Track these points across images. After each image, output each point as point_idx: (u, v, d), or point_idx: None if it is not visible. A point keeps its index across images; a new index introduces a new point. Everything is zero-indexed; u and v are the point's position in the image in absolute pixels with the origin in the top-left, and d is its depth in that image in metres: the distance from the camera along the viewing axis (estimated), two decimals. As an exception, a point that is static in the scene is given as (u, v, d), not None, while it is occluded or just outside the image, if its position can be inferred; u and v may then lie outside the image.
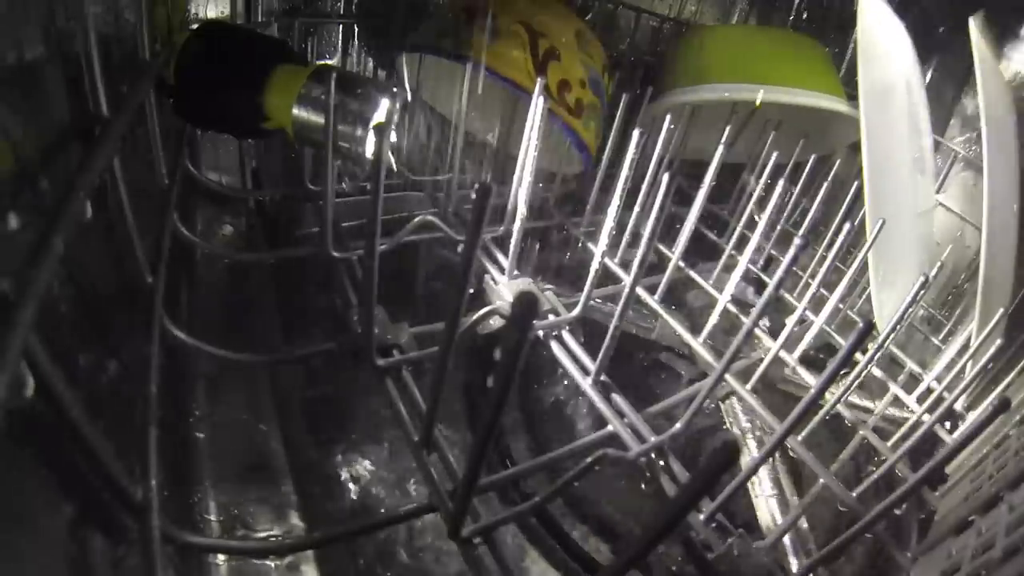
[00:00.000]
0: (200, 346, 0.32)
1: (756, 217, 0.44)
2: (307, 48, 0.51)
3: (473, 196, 0.19)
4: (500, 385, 0.17)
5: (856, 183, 0.42)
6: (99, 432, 0.20)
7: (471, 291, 0.33)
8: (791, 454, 0.37)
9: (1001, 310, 0.38)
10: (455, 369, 0.52)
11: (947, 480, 0.35)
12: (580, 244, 0.50)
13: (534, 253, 0.51)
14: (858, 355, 0.38)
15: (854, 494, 0.31)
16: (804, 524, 0.35)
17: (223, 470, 0.37)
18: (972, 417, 0.38)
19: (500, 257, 0.42)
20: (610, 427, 0.33)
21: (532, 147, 0.36)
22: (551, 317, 0.38)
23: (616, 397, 0.34)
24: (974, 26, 0.43)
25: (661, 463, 0.32)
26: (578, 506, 0.45)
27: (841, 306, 0.46)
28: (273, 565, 0.34)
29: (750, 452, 0.41)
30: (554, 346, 0.37)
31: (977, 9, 0.45)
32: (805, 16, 0.74)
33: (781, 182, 0.39)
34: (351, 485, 0.43)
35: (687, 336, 0.41)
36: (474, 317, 0.36)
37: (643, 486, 0.44)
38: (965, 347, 0.40)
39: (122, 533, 0.25)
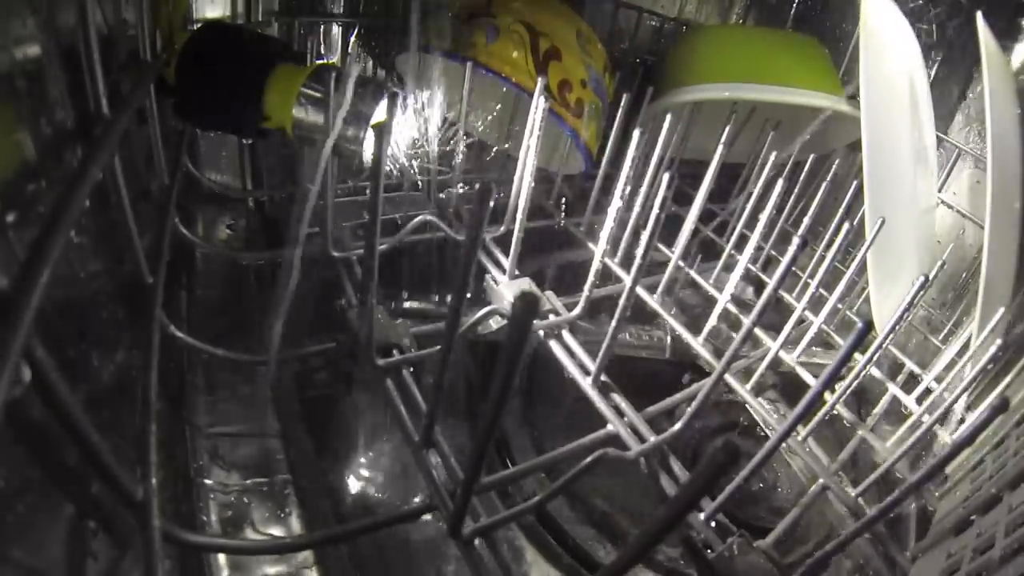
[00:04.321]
0: (199, 346, 0.32)
1: (757, 216, 0.44)
2: (307, 48, 0.51)
3: (473, 196, 0.19)
4: (500, 385, 0.17)
5: (856, 182, 0.42)
6: (99, 431, 0.20)
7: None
8: (792, 454, 0.37)
9: (1002, 310, 0.38)
10: (455, 369, 0.52)
11: (947, 480, 0.35)
12: (580, 244, 0.50)
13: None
14: (858, 355, 0.38)
15: (854, 494, 0.31)
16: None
17: (223, 469, 0.37)
18: (972, 417, 0.38)
19: (500, 257, 0.42)
20: (610, 427, 0.33)
21: (533, 147, 0.36)
22: (551, 317, 0.38)
23: (616, 397, 0.34)
24: (982, 21, 0.42)
25: (661, 463, 0.32)
26: (579, 505, 0.45)
27: (840, 306, 0.46)
28: (273, 565, 0.34)
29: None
30: (554, 346, 0.37)
31: (984, 4, 0.45)
32: (804, 16, 0.74)
33: (780, 181, 0.39)
34: (351, 485, 0.43)
35: (687, 336, 0.41)
36: (474, 317, 0.36)
37: (643, 486, 0.44)
38: (965, 347, 0.40)
39: (122, 532, 0.25)
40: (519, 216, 0.37)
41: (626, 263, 0.44)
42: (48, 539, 0.21)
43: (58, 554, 0.21)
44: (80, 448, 0.20)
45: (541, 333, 0.37)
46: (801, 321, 0.39)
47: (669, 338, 0.47)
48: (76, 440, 0.19)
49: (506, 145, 0.58)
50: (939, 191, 0.57)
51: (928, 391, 0.41)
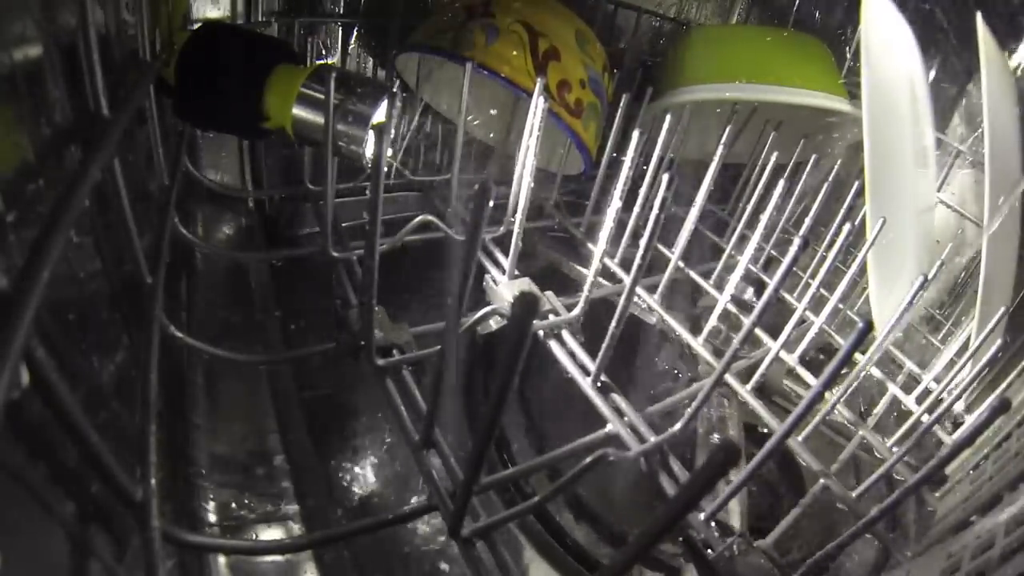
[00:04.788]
0: (199, 346, 0.32)
1: (758, 217, 0.44)
2: (307, 48, 0.51)
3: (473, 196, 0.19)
4: (500, 385, 0.17)
5: (857, 183, 0.42)
6: (98, 432, 0.20)
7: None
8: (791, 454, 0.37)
9: (1002, 309, 0.38)
10: (455, 369, 0.52)
11: (947, 481, 0.35)
12: (579, 244, 0.50)
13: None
14: (858, 355, 0.38)
15: (854, 494, 0.31)
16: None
17: (223, 470, 0.37)
18: (972, 418, 0.38)
19: (500, 257, 0.42)
20: (610, 427, 0.33)
21: (532, 147, 0.36)
22: (551, 317, 0.38)
23: (616, 397, 0.34)
24: (981, 21, 0.42)
25: (661, 463, 0.32)
26: (578, 505, 0.45)
27: (841, 306, 0.46)
28: (273, 564, 0.34)
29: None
30: (554, 346, 0.37)
31: (982, 5, 0.45)
32: (805, 16, 0.74)
33: (781, 182, 0.39)
34: (351, 485, 0.43)
35: (687, 336, 0.41)
36: (474, 317, 0.36)
37: (643, 486, 0.44)
38: (965, 347, 0.40)
39: (122, 533, 0.25)
40: (519, 216, 0.37)
41: (626, 263, 0.44)
42: (48, 540, 0.21)
43: (58, 555, 0.21)
44: (80, 448, 0.20)
45: (541, 333, 0.37)
46: (802, 321, 0.39)
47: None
48: (76, 440, 0.19)
49: (506, 145, 0.58)
50: (938, 191, 0.57)
51: (928, 391, 0.41)
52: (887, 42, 0.46)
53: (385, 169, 0.25)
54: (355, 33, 0.55)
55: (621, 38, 0.66)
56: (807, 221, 0.40)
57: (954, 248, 0.52)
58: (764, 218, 0.40)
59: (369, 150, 0.36)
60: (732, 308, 0.42)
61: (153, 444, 0.24)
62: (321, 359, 0.48)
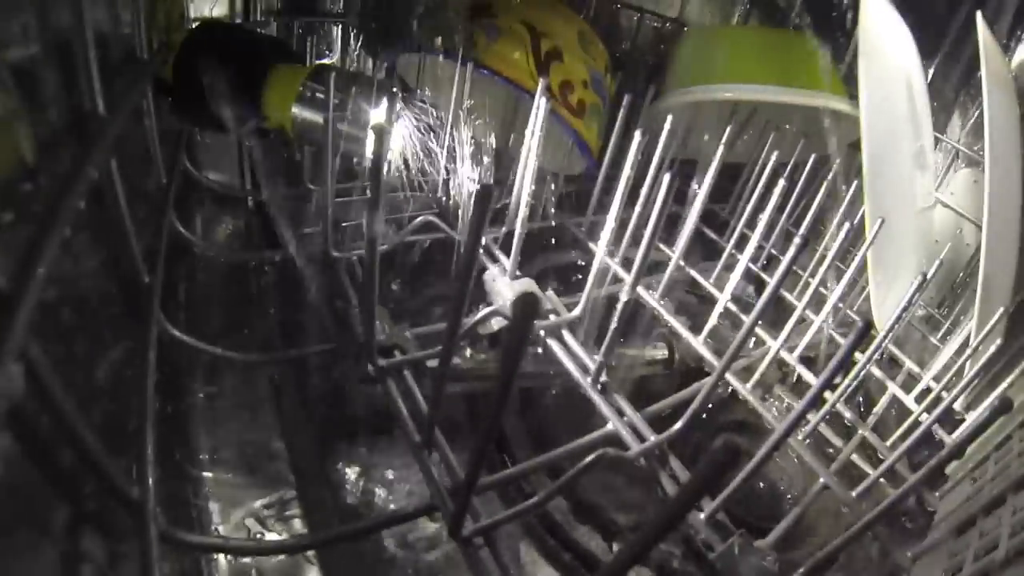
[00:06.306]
0: (198, 345, 0.32)
1: (758, 216, 0.44)
2: (306, 48, 0.51)
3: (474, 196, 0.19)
4: (501, 385, 0.17)
5: (856, 182, 0.42)
6: (95, 431, 0.20)
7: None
8: (791, 454, 0.37)
9: (1001, 309, 0.38)
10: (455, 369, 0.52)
11: (947, 480, 0.35)
12: (581, 244, 0.50)
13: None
14: (857, 355, 0.38)
15: (854, 494, 0.31)
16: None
17: (222, 470, 0.37)
18: (971, 417, 0.38)
19: (501, 257, 0.42)
20: (610, 426, 0.32)
21: (534, 148, 0.36)
22: (552, 317, 0.38)
23: (616, 397, 0.34)
24: (981, 21, 0.42)
25: (661, 462, 0.32)
26: (579, 505, 0.45)
27: (840, 305, 0.46)
28: (273, 565, 0.34)
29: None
30: (554, 346, 0.37)
31: (983, 4, 0.45)
32: (805, 16, 0.74)
33: (781, 182, 0.39)
34: (351, 485, 0.43)
35: (688, 335, 0.40)
36: (475, 318, 0.36)
37: (644, 485, 0.44)
38: (964, 346, 0.40)
39: (120, 532, 0.25)
40: (520, 217, 0.37)
41: (627, 263, 0.44)
42: (44, 541, 0.21)
43: (54, 556, 0.21)
44: (76, 447, 0.20)
45: (542, 333, 0.37)
46: (802, 320, 0.39)
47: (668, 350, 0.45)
48: (71, 439, 0.19)
49: (507, 146, 0.58)
50: (937, 190, 0.57)
51: (927, 390, 0.41)
52: (885, 42, 0.46)
53: (385, 169, 0.25)
54: (354, 33, 0.54)
55: (623, 39, 0.66)
56: (807, 221, 0.40)
57: (953, 247, 0.52)
58: (764, 218, 0.40)
59: (369, 150, 0.36)
60: (732, 307, 0.42)
61: (151, 443, 0.24)
62: (321, 359, 0.48)
